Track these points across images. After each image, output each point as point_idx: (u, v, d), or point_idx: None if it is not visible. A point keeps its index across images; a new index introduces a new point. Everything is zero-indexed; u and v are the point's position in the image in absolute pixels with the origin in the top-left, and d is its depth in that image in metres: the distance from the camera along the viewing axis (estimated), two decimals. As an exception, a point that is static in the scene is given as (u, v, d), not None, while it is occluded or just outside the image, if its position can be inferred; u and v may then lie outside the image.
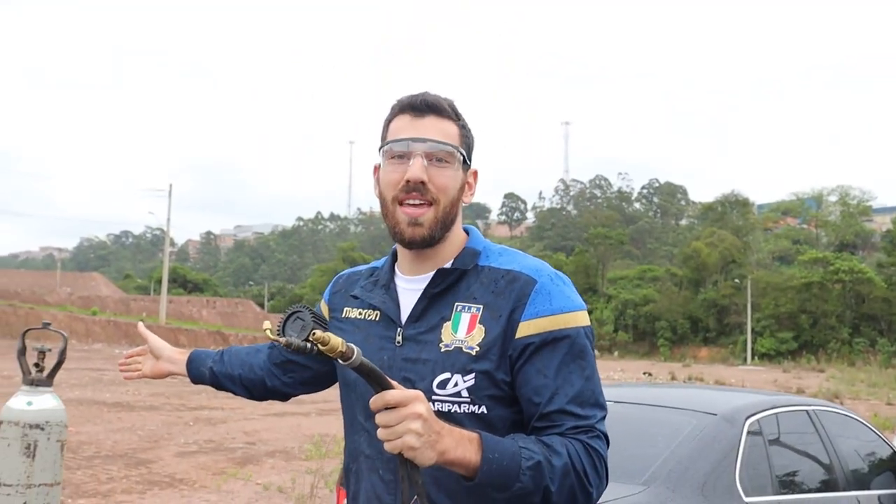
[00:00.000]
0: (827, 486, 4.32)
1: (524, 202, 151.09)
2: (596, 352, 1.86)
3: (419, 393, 1.51)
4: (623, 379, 31.91)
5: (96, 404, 16.20)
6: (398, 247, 1.90)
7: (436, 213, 1.78)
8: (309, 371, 2.15)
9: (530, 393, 1.71)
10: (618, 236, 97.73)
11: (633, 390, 4.89)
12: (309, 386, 2.21)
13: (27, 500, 4.07)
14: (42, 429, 4.14)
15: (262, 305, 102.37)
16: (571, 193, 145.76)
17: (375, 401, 1.50)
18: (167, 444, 11.69)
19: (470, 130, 1.88)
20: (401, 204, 1.79)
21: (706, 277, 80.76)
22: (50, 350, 4.32)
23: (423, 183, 1.76)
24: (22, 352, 4.28)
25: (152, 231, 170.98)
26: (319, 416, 16.16)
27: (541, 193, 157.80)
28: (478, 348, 1.73)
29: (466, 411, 1.72)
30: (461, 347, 1.74)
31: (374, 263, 2.05)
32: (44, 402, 4.20)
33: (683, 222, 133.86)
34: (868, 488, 4.54)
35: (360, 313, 1.92)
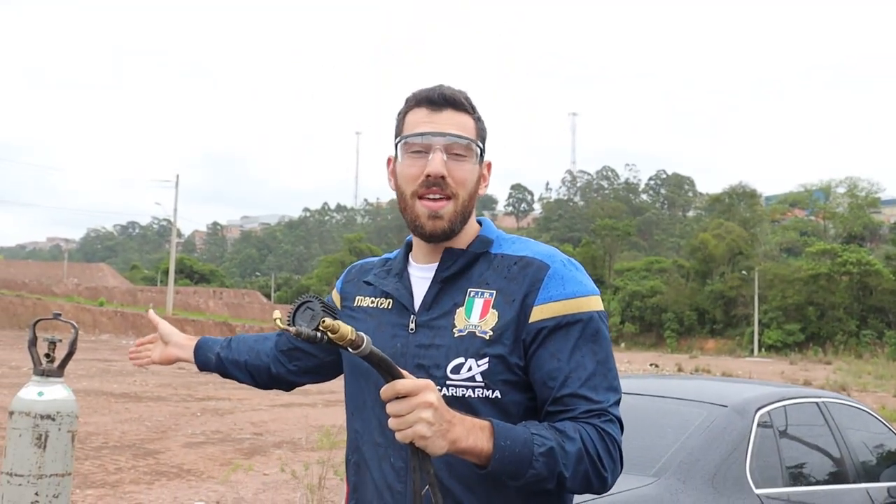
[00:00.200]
0: (837, 478, 4.31)
1: (531, 193, 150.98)
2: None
3: (429, 382, 1.51)
4: (630, 370, 31.88)
5: (104, 395, 16.23)
6: (413, 238, 1.91)
7: (455, 207, 1.79)
8: (315, 360, 2.15)
9: (544, 377, 1.71)
10: (625, 227, 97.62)
11: (641, 381, 4.88)
12: (314, 375, 2.20)
13: (38, 490, 4.08)
14: (53, 419, 4.14)
15: (268, 296, 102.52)
16: (578, 184, 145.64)
17: (386, 390, 1.50)
18: (175, 435, 11.72)
19: (484, 123, 1.88)
20: (420, 198, 1.79)
21: (713, 269, 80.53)
22: (61, 341, 4.32)
23: (443, 178, 1.76)
24: (33, 342, 4.28)
25: (159, 222, 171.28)
26: (326, 406, 16.18)
27: (548, 184, 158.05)
28: (491, 332, 1.73)
29: (480, 396, 1.72)
30: (475, 332, 1.74)
31: (386, 255, 2.06)
32: (55, 393, 4.21)
33: (691, 214, 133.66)
34: (878, 480, 4.52)
35: (373, 301, 1.92)
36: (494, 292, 1.77)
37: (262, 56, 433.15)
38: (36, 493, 4.09)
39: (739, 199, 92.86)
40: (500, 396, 1.72)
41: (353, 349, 1.47)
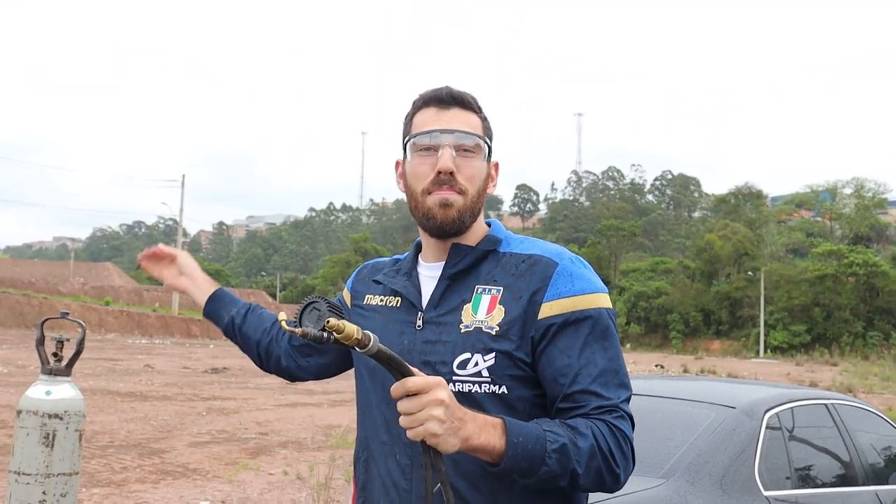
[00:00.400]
0: (846, 480, 4.29)
1: (536, 193, 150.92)
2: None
3: (440, 379, 1.51)
4: (635, 371, 31.85)
5: (110, 394, 16.26)
6: (423, 237, 1.92)
7: (465, 201, 1.80)
8: (325, 357, 2.15)
9: (554, 373, 1.71)
10: (630, 228, 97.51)
11: (649, 382, 4.86)
12: (322, 372, 2.20)
13: (46, 489, 4.09)
14: (61, 418, 4.15)
15: (274, 296, 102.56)
16: (584, 185, 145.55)
17: (396, 388, 1.50)
18: (180, 434, 11.73)
19: (490, 123, 1.90)
20: (430, 194, 1.80)
21: (719, 270, 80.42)
22: (68, 340, 4.33)
23: (452, 174, 1.77)
24: (41, 341, 4.28)
25: (165, 221, 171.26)
26: (331, 406, 16.18)
27: (553, 185, 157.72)
28: (497, 328, 1.73)
29: (487, 391, 1.72)
30: (481, 327, 1.74)
31: (397, 256, 2.08)
32: (62, 392, 4.21)
33: (696, 214, 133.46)
34: (887, 483, 4.51)
35: (382, 300, 1.94)
36: (502, 289, 1.78)
37: (267, 56, 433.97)
38: (43, 492, 4.09)
39: (745, 200, 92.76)
40: (506, 392, 1.72)
41: (359, 348, 1.47)
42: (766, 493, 3.65)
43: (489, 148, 1.86)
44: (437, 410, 1.47)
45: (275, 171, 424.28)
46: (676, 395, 4.37)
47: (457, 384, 1.71)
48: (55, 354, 4.29)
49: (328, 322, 1.45)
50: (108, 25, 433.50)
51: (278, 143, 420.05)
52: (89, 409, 12.24)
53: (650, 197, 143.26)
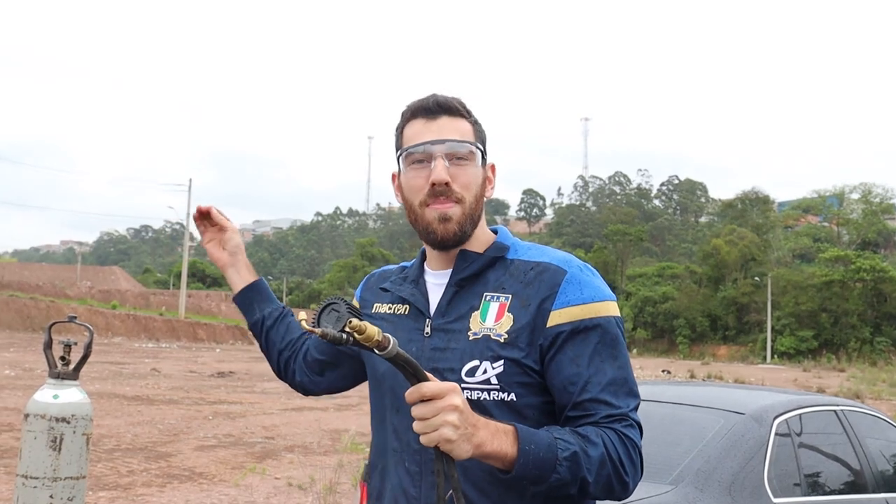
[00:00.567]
0: (855, 487, 4.27)
1: (543, 198, 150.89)
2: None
3: (455, 385, 1.52)
4: (642, 376, 31.80)
5: (116, 398, 16.29)
6: (427, 247, 1.92)
7: (463, 210, 1.79)
8: (339, 371, 2.15)
9: (564, 381, 1.71)
10: (637, 233, 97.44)
11: (656, 388, 4.84)
12: (336, 387, 2.21)
13: (53, 493, 4.08)
14: (68, 422, 4.14)
15: (280, 300, 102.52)
16: (590, 190, 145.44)
17: (412, 392, 1.50)
18: (186, 438, 11.74)
19: (481, 125, 1.89)
20: (428, 207, 1.80)
21: (726, 275, 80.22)
22: (76, 343, 4.33)
23: (447, 184, 1.77)
24: (48, 345, 4.28)
25: (171, 225, 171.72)
26: (338, 411, 16.19)
27: (559, 189, 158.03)
28: (506, 335, 1.73)
29: (496, 399, 1.72)
30: (489, 335, 1.74)
31: (404, 263, 2.08)
32: (70, 396, 4.20)
33: (703, 219, 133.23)
34: (897, 490, 4.48)
35: (390, 308, 1.94)
36: (510, 296, 1.77)
37: (275, 60, 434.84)
38: (51, 496, 4.08)
39: (752, 205, 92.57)
40: (515, 399, 1.72)
41: (378, 350, 1.46)
42: (776, 500, 3.63)
43: (483, 152, 1.86)
44: (451, 416, 1.47)
45: (282, 175, 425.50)
46: (685, 401, 4.35)
47: (465, 391, 1.71)
48: (62, 358, 4.29)
49: (350, 322, 1.44)
50: (116, 28, 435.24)
51: (285, 147, 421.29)
52: (96, 412, 12.24)
53: (657, 202, 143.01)
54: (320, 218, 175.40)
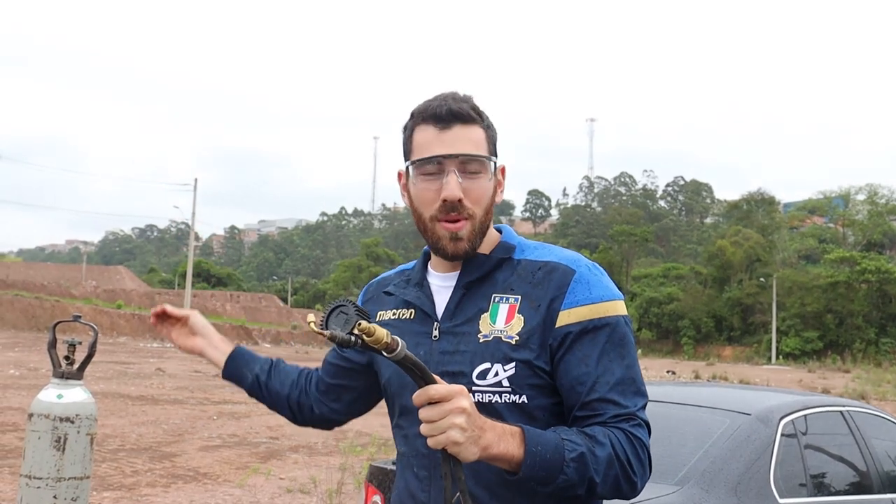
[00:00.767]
0: (862, 488, 4.25)
1: (548, 199, 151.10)
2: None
3: (463, 388, 1.51)
4: (647, 377, 31.75)
5: (121, 397, 16.30)
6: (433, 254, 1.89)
7: (473, 225, 1.76)
8: (354, 392, 2.08)
9: (572, 381, 1.70)
10: (642, 234, 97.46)
11: (662, 388, 4.82)
12: (356, 407, 2.13)
13: (57, 493, 4.08)
14: (72, 422, 4.14)
15: (285, 300, 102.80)
16: (596, 190, 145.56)
17: (419, 395, 1.49)
18: (191, 438, 11.74)
19: (493, 126, 1.84)
20: (439, 221, 1.77)
21: (731, 276, 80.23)
22: (80, 343, 4.32)
23: (459, 201, 1.74)
24: (52, 344, 4.28)
25: (177, 225, 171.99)
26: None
27: (565, 190, 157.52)
28: (517, 337, 1.72)
29: (507, 401, 1.71)
30: (500, 337, 1.73)
31: (401, 266, 2.03)
32: (74, 396, 4.20)
33: (708, 220, 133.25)
34: (903, 491, 4.46)
35: (395, 313, 1.90)
36: (519, 297, 1.75)
37: (280, 60, 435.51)
38: (55, 496, 4.08)
39: (758, 206, 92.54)
40: (526, 401, 1.71)
41: (387, 353, 1.45)
42: (782, 501, 3.62)
43: (495, 157, 1.82)
44: (459, 419, 1.46)
45: (287, 175, 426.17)
46: (690, 402, 4.32)
47: (476, 394, 1.70)
48: (67, 358, 4.28)
49: (359, 324, 1.43)
50: (123, 27, 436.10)
51: (291, 147, 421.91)
52: (100, 412, 12.25)
53: (662, 203, 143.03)
54: (325, 218, 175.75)
